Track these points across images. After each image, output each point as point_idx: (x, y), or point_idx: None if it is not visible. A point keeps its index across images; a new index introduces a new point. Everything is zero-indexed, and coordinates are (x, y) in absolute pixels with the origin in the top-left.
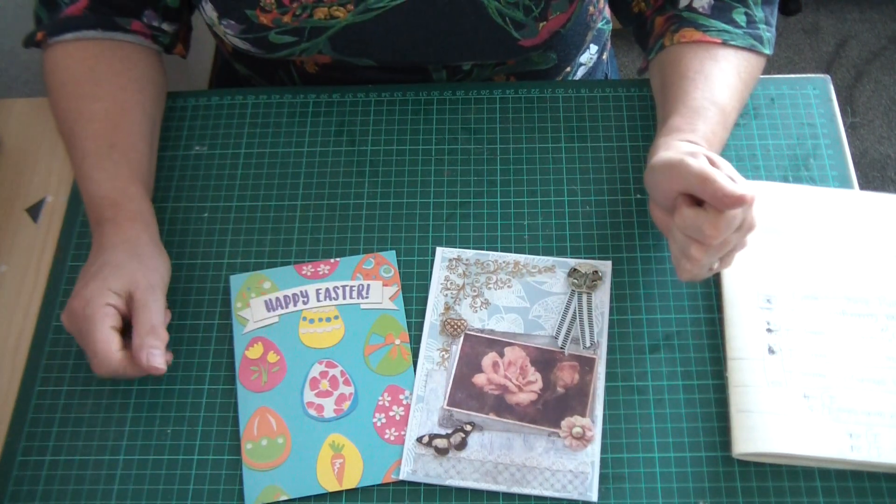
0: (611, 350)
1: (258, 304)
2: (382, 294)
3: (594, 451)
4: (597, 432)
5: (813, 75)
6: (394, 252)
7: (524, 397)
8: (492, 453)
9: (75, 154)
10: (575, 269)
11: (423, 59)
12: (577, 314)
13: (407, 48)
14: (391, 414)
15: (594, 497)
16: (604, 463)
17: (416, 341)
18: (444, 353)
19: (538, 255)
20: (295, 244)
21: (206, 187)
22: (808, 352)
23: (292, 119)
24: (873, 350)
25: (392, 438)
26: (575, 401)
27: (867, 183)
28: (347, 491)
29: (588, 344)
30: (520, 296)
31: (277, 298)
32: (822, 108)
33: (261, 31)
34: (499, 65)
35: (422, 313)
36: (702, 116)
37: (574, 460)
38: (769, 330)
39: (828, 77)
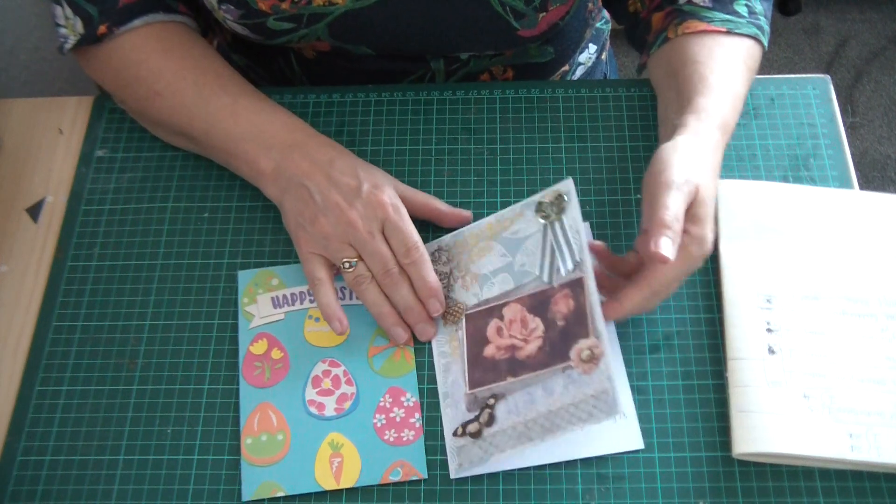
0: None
1: (265, 301)
2: None
3: (607, 365)
4: (604, 345)
5: (813, 75)
6: None
7: (532, 347)
8: (519, 415)
9: (215, 102)
10: (540, 203)
11: (422, 48)
12: (554, 244)
13: (406, 36)
14: (392, 415)
15: (623, 411)
16: (604, 463)
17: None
18: (453, 342)
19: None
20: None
21: (207, 187)
22: (808, 352)
23: None
24: (873, 350)
25: (391, 440)
26: (576, 327)
27: (867, 183)
28: (347, 490)
29: (571, 266)
30: (501, 254)
31: (284, 296)
32: (822, 108)
33: (259, 17)
34: (496, 56)
35: None
36: (721, 97)
37: (591, 384)
38: (769, 330)
39: (828, 77)
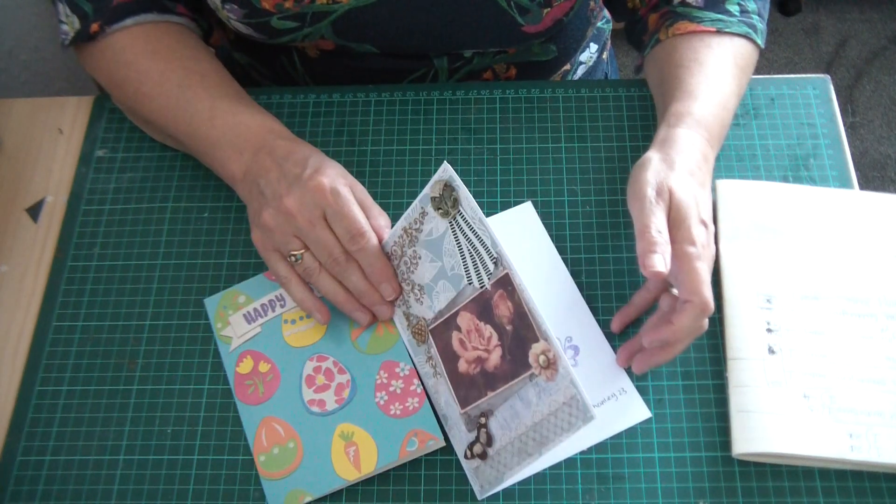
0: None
1: (238, 320)
2: None
3: (565, 368)
4: (555, 348)
5: (813, 75)
6: None
7: (495, 356)
8: (510, 430)
9: (196, 104)
10: (432, 198)
11: (425, 46)
12: (467, 243)
13: (409, 33)
14: (391, 389)
15: (592, 413)
16: (604, 463)
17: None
18: (430, 362)
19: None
20: None
21: (207, 187)
22: (808, 352)
23: (292, 119)
24: (873, 350)
25: (398, 413)
26: (524, 330)
27: (867, 183)
28: (370, 485)
29: (491, 266)
30: (431, 260)
31: (255, 309)
32: (822, 108)
33: (263, 17)
34: (499, 53)
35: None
36: (698, 99)
37: (559, 390)
38: (769, 330)
39: (828, 77)
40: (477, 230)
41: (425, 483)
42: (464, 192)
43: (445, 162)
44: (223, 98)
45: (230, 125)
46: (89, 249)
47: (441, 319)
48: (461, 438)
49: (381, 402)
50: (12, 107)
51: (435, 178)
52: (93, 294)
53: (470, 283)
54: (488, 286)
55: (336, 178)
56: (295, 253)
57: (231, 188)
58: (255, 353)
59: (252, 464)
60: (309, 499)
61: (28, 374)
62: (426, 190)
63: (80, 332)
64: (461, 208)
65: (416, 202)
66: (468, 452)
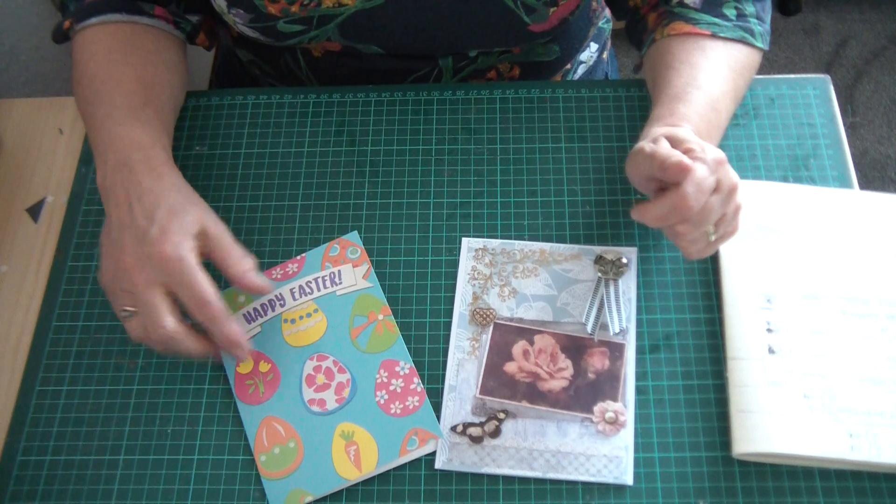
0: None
1: (238, 319)
2: (355, 276)
3: (628, 434)
4: (629, 416)
5: (813, 75)
6: (356, 233)
7: (556, 384)
8: (526, 440)
9: (99, 109)
10: (601, 257)
11: (431, 47)
12: (605, 301)
13: (416, 34)
14: (392, 388)
15: (629, 480)
16: None
17: (446, 328)
18: (474, 342)
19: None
20: (295, 244)
21: (207, 187)
22: (808, 352)
23: (292, 119)
24: (873, 350)
25: (398, 412)
26: (606, 386)
27: (867, 183)
28: (371, 485)
29: (617, 330)
30: (547, 284)
31: (255, 308)
32: (822, 108)
33: (269, 21)
34: (504, 53)
35: (450, 300)
36: (682, 100)
37: (608, 444)
38: (769, 330)
39: (828, 77)
40: (622, 302)
41: (425, 483)
42: (633, 272)
43: (635, 247)
44: (122, 108)
45: (112, 132)
46: (89, 249)
47: (516, 324)
48: (457, 413)
49: (382, 402)
50: (12, 107)
51: (618, 248)
52: (93, 294)
53: (581, 326)
54: (596, 339)
55: (181, 244)
56: (128, 309)
57: (230, 189)
58: (255, 352)
59: (252, 464)
60: (310, 499)
61: (28, 374)
62: (599, 249)
63: (80, 332)
64: (621, 280)
65: (575, 245)
66: (460, 427)
